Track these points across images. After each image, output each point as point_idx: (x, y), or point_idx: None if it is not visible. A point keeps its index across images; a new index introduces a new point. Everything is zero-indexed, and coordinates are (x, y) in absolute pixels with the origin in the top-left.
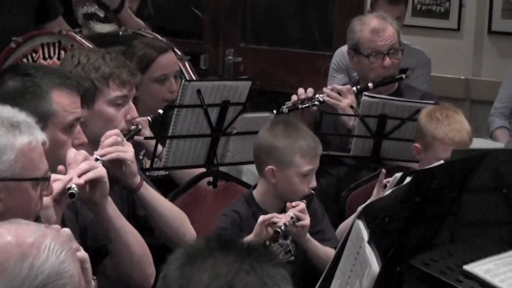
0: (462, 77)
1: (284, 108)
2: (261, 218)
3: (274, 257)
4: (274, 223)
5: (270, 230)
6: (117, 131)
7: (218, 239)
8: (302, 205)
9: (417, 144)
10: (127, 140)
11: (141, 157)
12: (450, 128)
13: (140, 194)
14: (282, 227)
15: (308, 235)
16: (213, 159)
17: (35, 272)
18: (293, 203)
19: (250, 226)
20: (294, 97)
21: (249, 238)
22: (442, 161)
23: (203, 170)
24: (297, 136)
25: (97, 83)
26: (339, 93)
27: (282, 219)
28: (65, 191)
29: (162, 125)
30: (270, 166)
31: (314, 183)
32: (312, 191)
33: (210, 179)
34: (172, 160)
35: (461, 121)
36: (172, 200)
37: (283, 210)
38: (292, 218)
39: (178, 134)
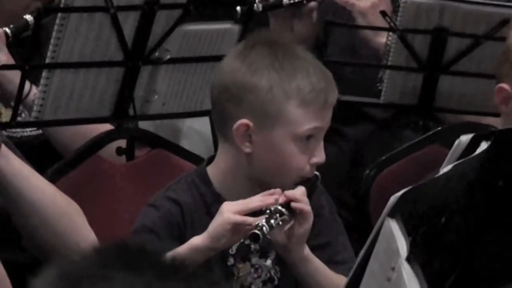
0: None
1: (258, 4)
2: (228, 209)
3: (216, 280)
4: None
5: (242, 231)
6: None
7: (120, 249)
8: (302, 189)
9: (504, 85)
10: None
11: None
12: None
13: None
14: (265, 229)
15: (306, 249)
16: (128, 107)
17: None
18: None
19: (200, 227)
20: None
21: (198, 241)
22: None
23: (109, 127)
24: (294, 68)
25: None
26: None
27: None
28: None
29: (33, 44)
30: (242, 121)
31: (322, 157)
32: (317, 172)
33: (123, 143)
34: (51, 108)
35: None
36: (53, 180)
37: None
38: (281, 213)
39: (62, 62)
